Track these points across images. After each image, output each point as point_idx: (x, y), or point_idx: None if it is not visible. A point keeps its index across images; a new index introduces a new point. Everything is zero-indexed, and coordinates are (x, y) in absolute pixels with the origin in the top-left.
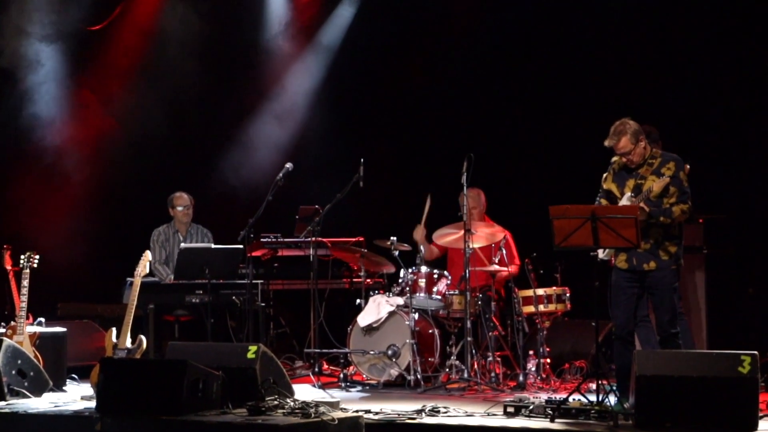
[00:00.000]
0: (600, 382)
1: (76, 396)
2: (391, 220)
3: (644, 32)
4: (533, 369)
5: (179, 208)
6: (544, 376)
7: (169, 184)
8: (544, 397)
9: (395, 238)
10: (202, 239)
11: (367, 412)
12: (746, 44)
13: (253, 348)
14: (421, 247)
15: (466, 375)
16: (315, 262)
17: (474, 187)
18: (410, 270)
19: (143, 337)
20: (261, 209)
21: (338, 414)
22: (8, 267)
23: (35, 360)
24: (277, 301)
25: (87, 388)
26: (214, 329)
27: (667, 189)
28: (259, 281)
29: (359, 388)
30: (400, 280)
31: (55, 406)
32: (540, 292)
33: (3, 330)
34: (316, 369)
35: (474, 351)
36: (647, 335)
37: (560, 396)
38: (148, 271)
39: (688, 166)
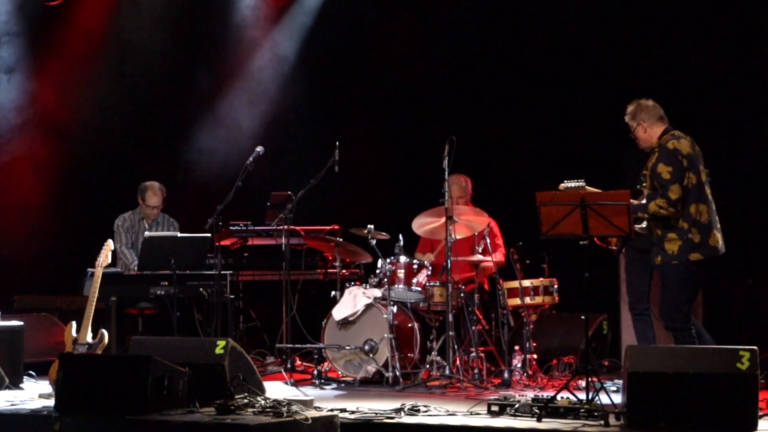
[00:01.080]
0: (590, 379)
1: (33, 394)
2: (368, 207)
3: (637, 11)
4: (519, 365)
5: (148, 207)
6: (530, 372)
7: (133, 170)
8: (530, 395)
9: (372, 227)
10: (168, 229)
11: (343, 411)
12: (745, 28)
13: (221, 343)
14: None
15: (447, 372)
16: (287, 251)
17: (460, 174)
18: (388, 260)
19: (105, 332)
20: (230, 195)
21: (312, 413)
22: None
23: None
24: (246, 293)
25: (45, 386)
26: (180, 323)
27: (653, 183)
28: (228, 272)
29: (334, 385)
30: (377, 271)
31: (12, 405)
32: (526, 283)
33: None
34: (289, 365)
35: (456, 346)
36: (644, 330)
37: (547, 394)
38: (110, 261)
39: None
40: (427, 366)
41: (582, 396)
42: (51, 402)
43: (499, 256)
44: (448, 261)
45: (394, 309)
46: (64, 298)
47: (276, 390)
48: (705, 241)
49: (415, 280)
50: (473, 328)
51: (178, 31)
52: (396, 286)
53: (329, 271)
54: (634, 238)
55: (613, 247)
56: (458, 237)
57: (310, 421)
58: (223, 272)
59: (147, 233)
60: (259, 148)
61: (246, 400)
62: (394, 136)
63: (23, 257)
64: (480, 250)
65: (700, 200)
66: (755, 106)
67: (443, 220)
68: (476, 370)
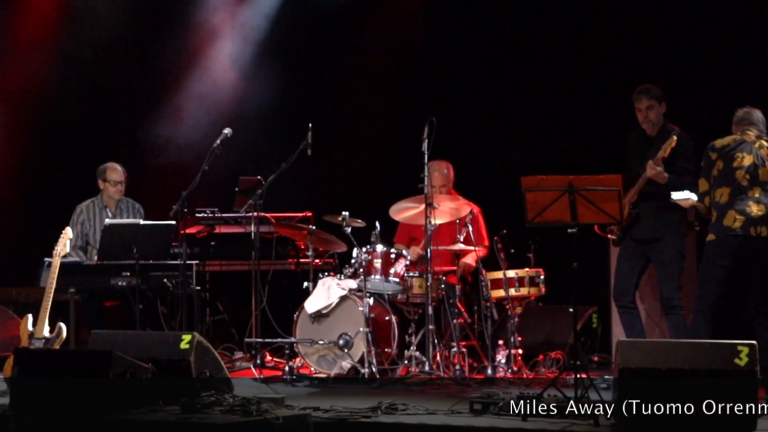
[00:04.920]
0: (578, 375)
1: None
2: (342, 193)
3: None
4: (503, 361)
5: (111, 184)
6: (515, 368)
7: (92, 152)
8: (515, 392)
9: (347, 214)
10: (134, 215)
11: (316, 409)
12: (743, 9)
13: (186, 337)
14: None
15: (427, 368)
16: (257, 240)
17: (442, 160)
18: (364, 249)
19: (63, 325)
20: (196, 180)
21: (283, 412)
22: None
23: None
24: (213, 284)
25: None
26: (143, 316)
27: None
28: (193, 262)
29: (307, 382)
30: (352, 261)
31: None
32: (511, 274)
33: None
34: (258, 361)
35: (436, 341)
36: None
37: (533, 391)
38: (68, 250)
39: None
40: (406, 362)
41: (570, 393)
42: (6, 400)
43: (481, 249)
44: (428, 250)
45: (371, 301)
46: (20, 289)
47: (245, 387)
48: None
49: (392, 271)
50: (454, 321)
51: (140, 6)
52: (372, 276)
53: (301, 260)
54: (625, 224)
55: (614, 237)
56: (439, 222)
57: (281, 421)
58: (188, 262)
59: (107, 221)
60: (227, 130)
61: (213, 398)
62: (370, 118)
63: None
64: (461, 239)
65: None
66: (750, 81)
67: (423, 206)
68: (458, 366)
